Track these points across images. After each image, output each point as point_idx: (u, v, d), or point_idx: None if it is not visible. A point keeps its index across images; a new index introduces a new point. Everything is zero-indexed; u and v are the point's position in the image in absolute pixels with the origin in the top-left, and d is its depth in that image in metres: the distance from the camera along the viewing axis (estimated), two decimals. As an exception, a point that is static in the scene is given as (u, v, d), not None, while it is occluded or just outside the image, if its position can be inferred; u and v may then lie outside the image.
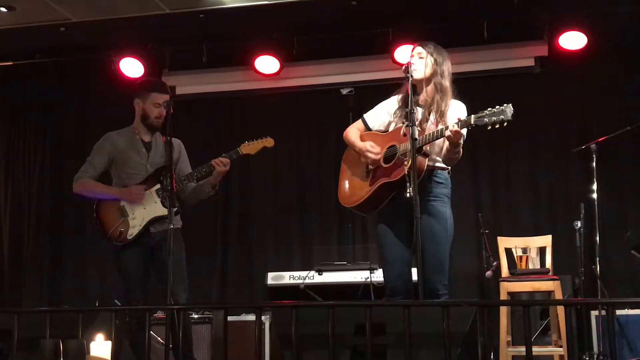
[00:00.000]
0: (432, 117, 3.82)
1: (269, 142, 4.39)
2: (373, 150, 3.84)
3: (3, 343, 3.33)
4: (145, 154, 4.37)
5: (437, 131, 3.68)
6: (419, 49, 3.91)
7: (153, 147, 4.39)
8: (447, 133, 3.59)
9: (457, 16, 6.21)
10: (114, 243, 4.30)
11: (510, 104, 3.55)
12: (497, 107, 3.55)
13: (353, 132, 4.01)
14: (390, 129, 3.94)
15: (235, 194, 6.89)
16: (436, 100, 3.83)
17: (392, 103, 4.00)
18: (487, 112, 3.56)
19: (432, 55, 3.88)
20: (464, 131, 3.69)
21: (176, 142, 4.46)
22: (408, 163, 3.60)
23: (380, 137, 3.92)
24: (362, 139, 3.96)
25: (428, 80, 3.85)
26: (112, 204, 4.32)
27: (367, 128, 4.00)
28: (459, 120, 3.60)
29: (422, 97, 3.86)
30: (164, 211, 4.20)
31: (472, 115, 3.60)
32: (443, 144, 3.81)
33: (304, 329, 2.92)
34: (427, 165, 3.73)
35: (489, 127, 3.56)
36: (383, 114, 4.01)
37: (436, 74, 3.86)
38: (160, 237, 4.20)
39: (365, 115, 4.06)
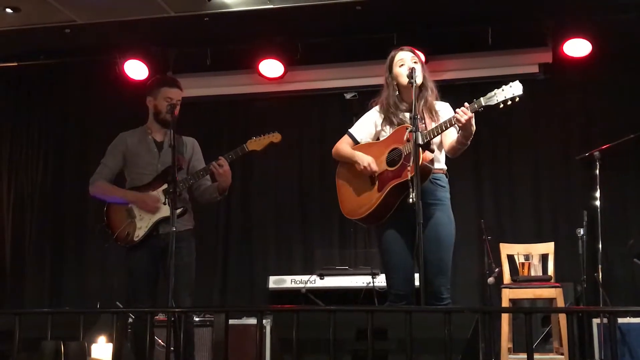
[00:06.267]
0: (426, 118, 3.83)
1: (275, 137, 4.32)
2: (373, 166, 3.82)
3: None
4: (156, 153, 4.34)
5: (444, 123, 3.68)
6: (409, 54, 3.92)
7: (165, 146, 4.33)
8: (464, 118, 3.56)
9: (461, 22, 6.21)
10: (122, 244, 4.27)
11: (517, 80, 3.56)
12: (504, 85, 3.56)
13: (344, 147, 4.00)
14: (381, 138, 3.94)
15: (237, 197, 6.89)
16: (429, 102, 3.87)
17: (374, 114, 4.01)
18: (496, 91, 3.57)
19: (419, 60, 3.92)
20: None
21: (190, 140, 4.45)
22: (412, 168, 3.59)
23: (377, 144, 3.92)
24: (359, 151, 3.95)
25: (420, 84, 3.85)
26: (121, 205, 4.30)
27: (355, 142, 4.00)
28: (468, 104, 3.60)
29: (409, 101, 3.82)
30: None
31: (482, 97, 3.60)
32: (441, 139, 3.83)
33: (305, 333, 2.91)
34: (429, 167, 3.73)
35: (501, 106, 3.57)
36: (369, 125, 4.00)
37: (425, 77, 3.90)
38: (169, 238, 4.17)
39: (350, 130, 4.05)
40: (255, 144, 4.30)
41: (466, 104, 3.61)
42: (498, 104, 3.57)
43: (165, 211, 4.19)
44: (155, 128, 4.40)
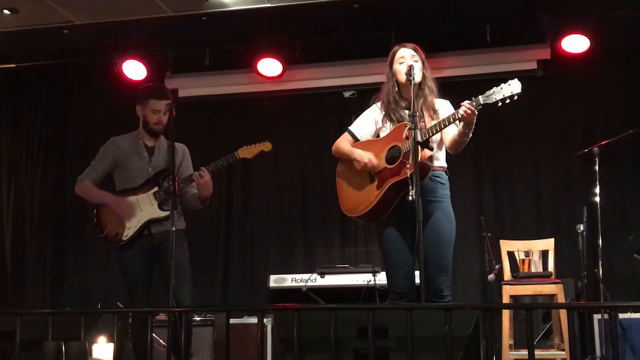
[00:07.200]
0: (425, 117, 3.83)
1: (266, 146, 4.39)
2: (373, 160, 3.83)
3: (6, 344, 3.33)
4: (147, 157, 4.41)
5: (443, 120, 3.68)
6: (410, 51, 3.91)
7: (156, 151, 4.44)
8: (462, 112, 3.57)
9: (459, 19, 6.21)
10: (110, 244, 4.34)
11: (516, 78, 3.56)
12: (503, 83, 3.57)
13: (344, 144, 4.00)
14: (381, 134, 3.94)
15: (238, 196, 6.90)
16: (428, 100, 3.87)
17: (375, 111, 4.00)
18: (495, 90, 3.57)
19: (420, 57, 3.91)
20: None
21: (180, 146, 4.49)
22: (410, 166, 3.59)
23: (376, 142, 3.92)
24: (358, 148, 3.95)
25: (418, 82, 3.84)
26: None
27: (355, 139, 4.00)
28: (469, 102, 3.60)
29: (409, 99, 3.80)
30: (160, 214, 4.29)
31: (480, 96, 3.60)
32: (442, 136, 3.83)
33: (306, 331, 2.92)
34: (428, 165, 3.73)
35: (500, 104, 3.57)
36: (369, 122, 4.00)
37: (425, 75, 3.90)
38: (162, 237, 4.22)
39: (350, 128, 4.05)
40: (246, 152, 4.37)
41: (466, 102, 3.62)
42: (496, 102, 3.58)
43: (154, 213, 4.30)
44: (145, 134, 4.47)
